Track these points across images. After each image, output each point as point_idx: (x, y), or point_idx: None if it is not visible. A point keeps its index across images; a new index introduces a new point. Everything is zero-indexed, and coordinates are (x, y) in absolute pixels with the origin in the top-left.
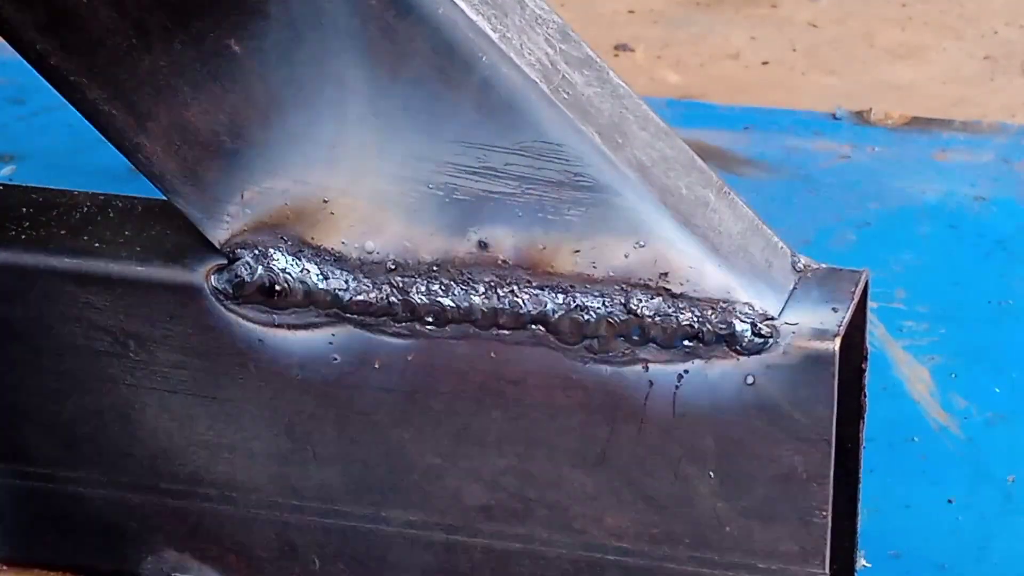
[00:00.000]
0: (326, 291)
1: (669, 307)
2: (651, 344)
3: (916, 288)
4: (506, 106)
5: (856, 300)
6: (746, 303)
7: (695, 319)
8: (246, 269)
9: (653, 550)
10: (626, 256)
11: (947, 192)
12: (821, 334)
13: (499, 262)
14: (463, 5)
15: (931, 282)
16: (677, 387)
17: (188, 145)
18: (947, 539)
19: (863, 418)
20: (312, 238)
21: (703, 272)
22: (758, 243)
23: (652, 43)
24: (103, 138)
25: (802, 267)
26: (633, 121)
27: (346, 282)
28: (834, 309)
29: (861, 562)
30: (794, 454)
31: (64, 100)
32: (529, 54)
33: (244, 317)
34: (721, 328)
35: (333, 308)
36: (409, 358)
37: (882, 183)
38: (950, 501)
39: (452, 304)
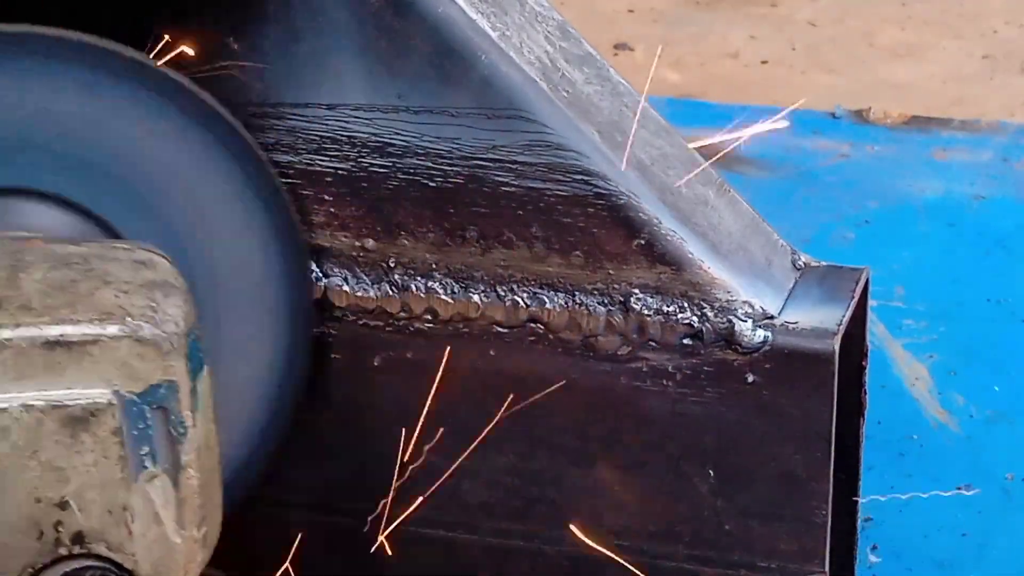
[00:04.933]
0: (325, 288)
1: (668, 306)
2: (651, 343)
3: (915, 286)
4: (506, 105)
5: (856, 298)
6: (746, 301)
7: (695, 318)
8: None
9: (652, 548)
10: (626, 255)
11: (946, 191)
12: (821, 333)
13: (499, 260)
14: (462, 3)
15: (930, 280)
16: (677, 385)
17: None
18: (946, 536)
19: (863, 416)
20: (312, 236)
21: (703, 270)
22: (758, 241)
23: (652, 42)
24: None
25: (802, 265)
26: (633, 119)
27: (345, 279)
28: (834, 308)
29: (862, 559)
30: (794, 452)
31: None
32: (528, 52)
33: None
34: (721, 327)
35: (332, 305)
36: (408, 356)
37: (882, 181)
38: (950, 497)
39: (451, 302)
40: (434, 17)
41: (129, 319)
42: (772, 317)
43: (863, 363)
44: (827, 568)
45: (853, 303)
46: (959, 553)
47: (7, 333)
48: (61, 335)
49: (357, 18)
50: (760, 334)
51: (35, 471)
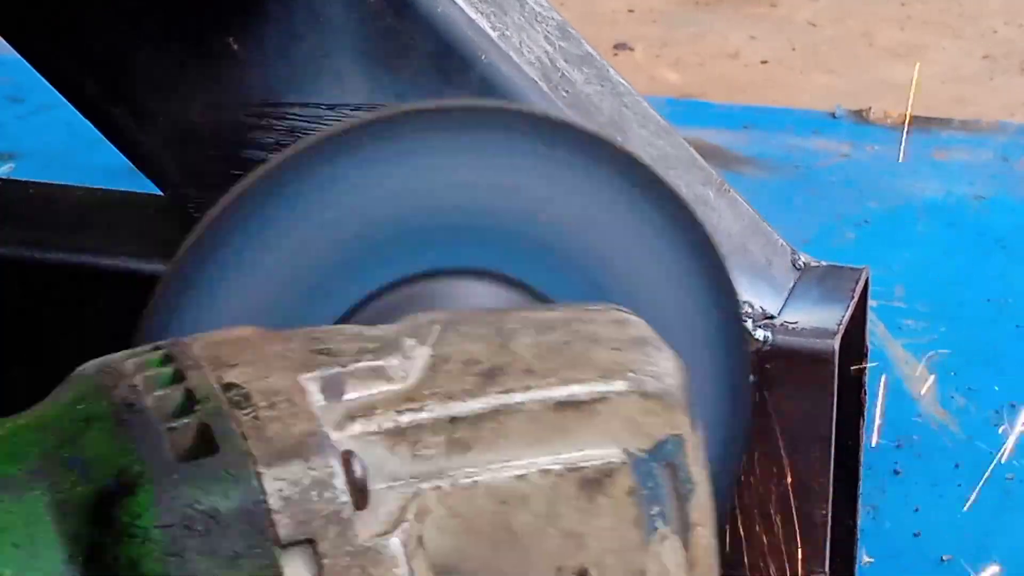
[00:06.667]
0: None
1: None
2: None
3: (916, 286)
4: None
5: (856, 298)
6: (746, 301)
7: None
8: None
9: None
10: None
11: (946, 191)
12: (821, 333)
13: None
14: (462, 3)
15: (931, 280)
16: None
17: (188, 143)
18: (946, 536)
19: (863, 416)
20: None
21: None
22: (758, 241)
23: (652, 42)
24: (102, 136)
25: (802, 265)
26: (633, 119)
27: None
28: (834, 308)
29: (862, 559)
30: (794, 452)
31: (63, 98)
32: (528, 52)
33: None
34: None
35: None
36: None
37: (881, 181)
38: (950, 497)
39: None
40: (434, 17)
41: (631, 374)
42: (772, 317)
43: (863, 363)
44: (827, 568)
45: (853, 303)
46: (959, 553)
47: (518, 397)
48: (570, 395)
49: (357, 18)
50: (760, 334)
51: (555, 539)
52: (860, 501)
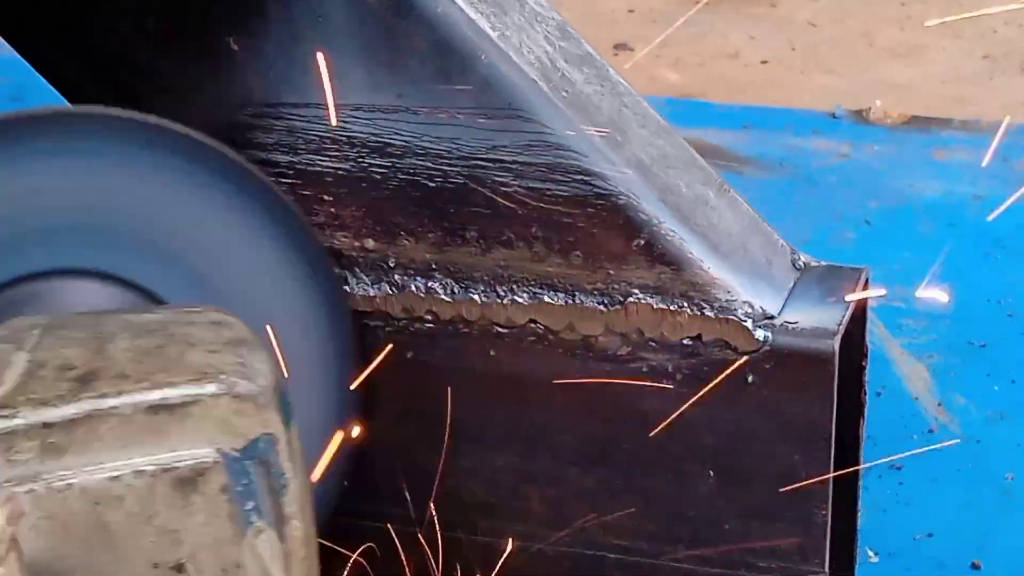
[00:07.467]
0: None
1: (669, 305)
2: (650, 343)
3: (915, 286)
4: (505, 105)
5: (856, 298)
6: (746, 301)
7: (695, 318)
8: None
9: (652, 547)
10: (626, 255)
11: (946, 191)
12: (820, 333)
13: (498, 260)
14: (462, 3)
15: (930, 280)
16: (677, 385)
17: None
18: (946, 536)
19: (863, 416)
20: None
21: (703, 271)
22: (758, 241)
23: (652, 42)
24: None
25: (802, 265)
26: (633, 119)
27: (345, 280)
28: (834, 308)
29: (864, 557)
30: (794, 452)
31: (63, 99)
32: (528, 52)
33: None
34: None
35: None
36: (408, 356)
37: (882, 181)
38: (950, 497)
39: (450, 302)
40: (434, 17)
41: (223, 376)
42: (772, 317)
43: (863, 363)
44: (827, 568)
45: (853, 303)
46: (959, 553)
47: (111, 401)
48: (162, 399)
49: (357, 18)
50: (760, 334)
51: (150, 536)
52: (860, 501)
